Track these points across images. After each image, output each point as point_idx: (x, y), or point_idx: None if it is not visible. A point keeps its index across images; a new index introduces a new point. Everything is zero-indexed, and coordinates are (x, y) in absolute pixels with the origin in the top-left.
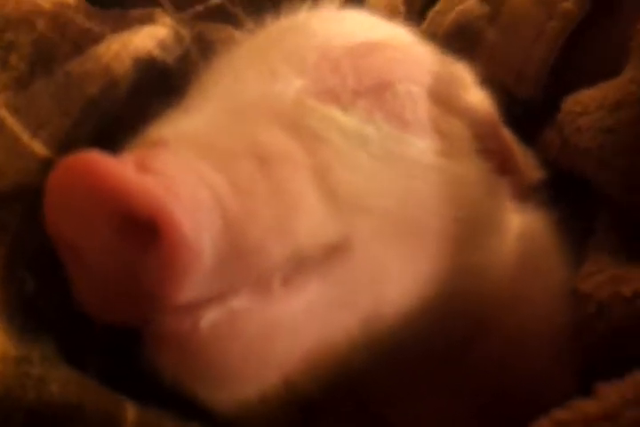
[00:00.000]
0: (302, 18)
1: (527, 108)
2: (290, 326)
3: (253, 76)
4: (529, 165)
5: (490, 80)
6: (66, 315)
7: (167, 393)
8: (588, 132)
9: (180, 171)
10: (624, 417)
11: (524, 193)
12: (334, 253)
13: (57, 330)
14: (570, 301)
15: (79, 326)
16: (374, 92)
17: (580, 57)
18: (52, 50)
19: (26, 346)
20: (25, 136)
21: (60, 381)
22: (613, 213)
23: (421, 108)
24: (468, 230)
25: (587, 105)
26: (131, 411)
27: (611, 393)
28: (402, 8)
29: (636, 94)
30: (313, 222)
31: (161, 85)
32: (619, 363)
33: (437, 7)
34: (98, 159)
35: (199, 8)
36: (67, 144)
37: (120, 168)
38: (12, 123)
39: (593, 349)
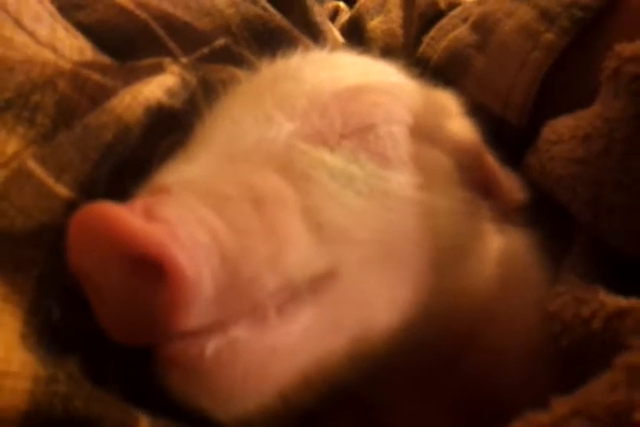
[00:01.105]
0: (295, 63)
1: (515, 134)
2: (285, 351)
3: (249, 121)
4: (513, 188)
5: (478, 106)
6: (88, 339)
7: (179, 405)
8: (560, 161)
9: (182, 216)
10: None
11: (507, 215)
12: (323, 282)
13: (81, 352)
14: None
15: (100, 347)
16: (358, 133)
17: (565, 84)
18: (72, 107)
19: (53, 367)
20: (50, 181)
21: (84, 397)
22: (587, 237)
23: (402, 146)
24: (448, 256)
25: (561, 134)
26: (144, 422)
27: (562, 406)
28: (399, 33)
29: (601, 130)
30: (302, 255)
31: (169, 127)
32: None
33: (432, 33)
34: (111, 209)
35: (204, 50)
36: (87, 186)
37: (130, 217)
38: (39, 172)
39: (559, 364)
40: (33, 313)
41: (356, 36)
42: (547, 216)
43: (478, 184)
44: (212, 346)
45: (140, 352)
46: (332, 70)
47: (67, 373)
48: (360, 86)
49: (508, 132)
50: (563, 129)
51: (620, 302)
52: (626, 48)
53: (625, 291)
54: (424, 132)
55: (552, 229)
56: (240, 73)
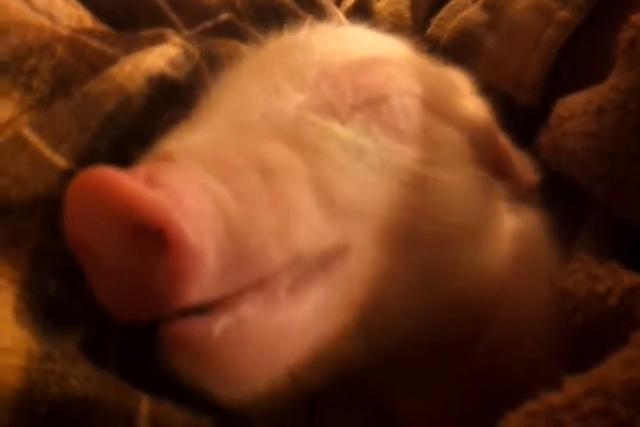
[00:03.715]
0: (304, 35)
1: (527, 114)
2: (296, 331)
3: (257, 92)
4: (526, 168)
5: (490, 86)
6: (87, 315)
7: (181, 387)
8: (573, 136)
9: (186, 184)
10: (584, 406)
11: (520, 195)
12: (334, 258)
13: (80, 329)
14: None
15: (99, 324)
16: (371, 105)
17: (577, 62)
18: (71, 73)
19: (49, 344)
20: (47, 151)
21: (81, 376)
22: (599, 214)
23: (416, 120)
24: (461, 234)
25: (573, 109)
26: (145, 404)
27: (576, 385)
28: (407, 15)
29: (615, 101)
30: (311, 229)
31: (172, 99)
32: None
33: (441, 14)
34: (111, 175)
35: (208, 24)
36: (86, 157)
37: (131, 183)
38: (35, 140)
39: (572, 341)
40: (28, 288)
41: (363, 18)
42: (557, 197)
43: (491, 164)
44: (219, 326)
45: (142, 331)
46: (342, 42)
47: (63, 351)
48: (372, 58)
49: (519, 113)
50: (575, 105)
51: (637, 277)
52: None
53: (636, 268)
54: (436, 107)
55: (562, 211)
56: (245, 48)
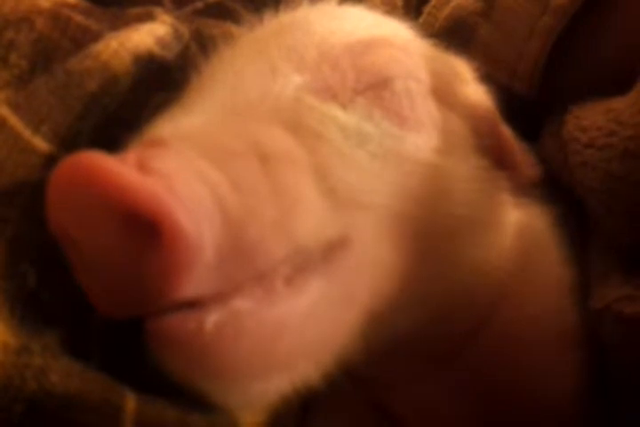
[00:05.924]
0: (302, 14)
1: (524, 105)
2: (294, 326)
3: (253, 73)
4: (527, 161)
5: (485, 76)
6: (69, 308)
7: (170, 384)
8: (595, 171)
9: (180, 170)
10: None
11: (523, 188)
12: (334, 250)
13: (60, 322)
14: (572, 296)
15: (83, 317)
16: (373, 89)
17: (578, 51)
18: (52, 48)
19: (27, 337)
20: (26, 132)
21: (61, 371)
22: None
23: (419, 105)
24: (464, 226)
25: (594, 137)
26: (131, 401)
27: None
28: (399, 2)
29: None
30: (313, 220)
31: (161, 81)
32: None
33: (434, 2)
34: (100, 160)
35: (198, 4)
36: (68, 140)
37: (121, 169)
38: (14, 120)
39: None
40: (5, 279)
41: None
42: (558, 193)
43: (493, 153)
44: (212, 319)
45: (129, 325)
46: (343, 22)
47: (43, 344)
48: (374, 40)
49: (515, 103)
50: (593, 129)
51: None
52: None
53: None
54: (440, 93)
55: (564, 207)
56: (237, 30)
